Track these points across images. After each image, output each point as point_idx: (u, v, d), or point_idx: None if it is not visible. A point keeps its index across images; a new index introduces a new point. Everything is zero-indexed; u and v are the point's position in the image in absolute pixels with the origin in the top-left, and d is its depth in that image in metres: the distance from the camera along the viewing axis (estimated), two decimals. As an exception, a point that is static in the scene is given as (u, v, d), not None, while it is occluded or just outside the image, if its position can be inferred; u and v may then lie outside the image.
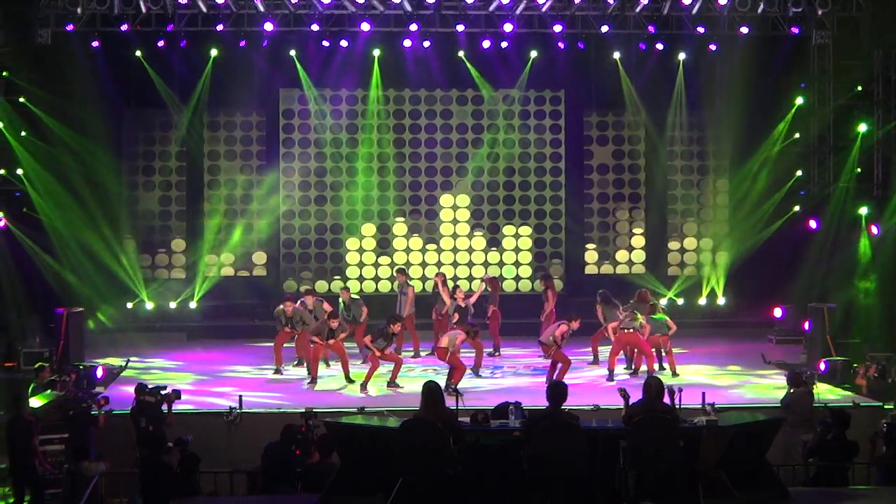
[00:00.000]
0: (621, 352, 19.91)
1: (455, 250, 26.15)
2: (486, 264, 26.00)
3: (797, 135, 24.87)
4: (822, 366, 19.41)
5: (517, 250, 26.22)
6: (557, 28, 23.79)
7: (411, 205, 26.09)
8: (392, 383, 18.53)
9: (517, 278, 26.17)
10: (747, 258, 24.91)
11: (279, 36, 23.98)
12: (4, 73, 22.68)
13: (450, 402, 11.55)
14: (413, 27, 23.84)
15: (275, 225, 25.83)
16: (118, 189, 25.10)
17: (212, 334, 24.23)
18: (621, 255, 26.41)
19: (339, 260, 26.05)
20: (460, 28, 23.94)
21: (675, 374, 19.33)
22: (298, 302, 20.53)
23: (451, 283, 23.53)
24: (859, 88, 23.86)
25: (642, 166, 26.31)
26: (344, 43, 24.30)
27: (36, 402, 15.94)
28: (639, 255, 26.37)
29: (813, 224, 24.24)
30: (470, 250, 26.19)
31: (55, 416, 15.64)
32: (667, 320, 19.84)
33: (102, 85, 23.87)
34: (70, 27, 22.97)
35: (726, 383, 19.22)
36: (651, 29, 23.99)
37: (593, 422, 12.38)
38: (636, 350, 19.75)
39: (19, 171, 22.98)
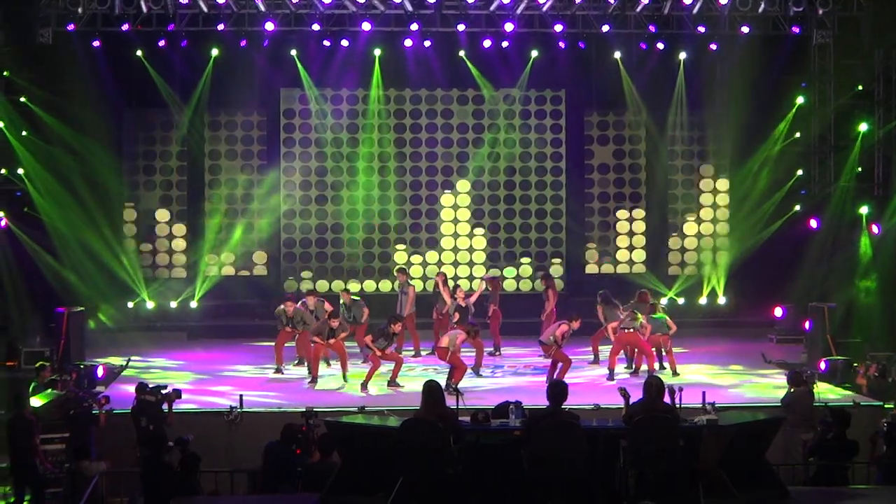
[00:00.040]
0: (622, 351, 19.92)
1: (455, 250, 26.15)
2: (486, 264, 25.99)
3: (798, 134, 24.88)
4: (823, 365, 19.41)
5: (518, 250, 26.21)
6: (558, 28, 23.79)
7: (412, 204, 26.08)
8: (392, 383, 18.54)
9: (517, 278, 26.17)
10: (748, 258, 24.91)
11: (280, 35, 23.99)
12: (5, 73, 22.68)
13: (450, 401, 11.56)
14: (414, 27, 23.84)
15: (275, 224, 25.84)
16: (119, 189, 25.12)
17: (212, 334, 24.24)
18: (622, 255, 26.41)
19: (339, 259, 26.06)
20: (461, 28, 23.94)
21: (675, 373, 19.33)
22: (300, 302, 20.53)
23: (451, 283, 23.53)
24: (860, 88, 23.85)
25: (643, 166, 26.31)
26: (345, 42, 24.31)
27: (37, 401, 15.94)
28: (639, 255, 26.36)
29: (813, 223, 24.23)
30: (470, 250, 26.19)
31: (56, 416, 15.65)
32: (667, 320, 19.84)
33: (103, 85, 23.89)
34: (71, 27, 22.99)
35: (726, 383, 19.22)
36: (652, 28, 23.99)
37: (594, 421, 12.41)
38: (636, 350, 19.75)
39: (20, 171, 22.98)
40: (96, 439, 15.47)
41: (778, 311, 23.76)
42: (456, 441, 11.15)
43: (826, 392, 17.69)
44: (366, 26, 23.78)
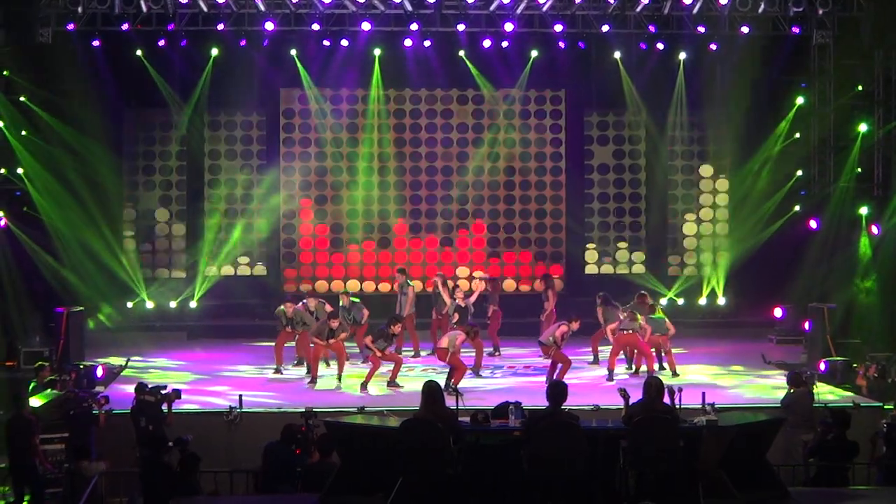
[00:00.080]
0: (621, 352, 19.92)
1: (456, 250, 26.14)
2: (486, 264, 25.98)
3: (797, 135, 24.87)
4: (823, 366, 19.41)
5: (517, 250, 26.21)
6: (558, 27, 23.78)
7: (412, 204, 26.08)
8: (392, 383, 18.53)
9: (517, 278, 26.17)
10: (748, 258, 24.89)
11: (280, 35, 23.97)
12: (5, 73, 22.65)
13: (450, 401, 11.55)
14: (414, 27, 23.83)
15: (275, 224, 25.84)
16: (118, 188, 25.12)
17: (212, 334, 24.24)
18: (621, 255, 26.40)
19: (339, 259, 26.05)
20: (461, 27, 23.92)
21: (675, 374, 19.33)
22: (301, 303, 20.51)
23: (451, 283, 23.50)
24: (860, 88, 23.83)
25: (643, 166, 26.30)
26: (344, 42, 24.30)
27: (36, 401, 15.95)
28: (639, 255, 26.36)
29: (813, 224, 24.22)
30: (470, 250, 26.18)
31: (55, 416, 15.66)
32: (665, 321, 19.83)
33: (103, 84, 23.89)
34: (71, 26, 22.98)
35: (726, 383, 19.22)
36: (652, 28, 23.98)
37: (593, 422, 12.39)
38: (636, 351, 19.75)
39: (20, 171, 22.97)
40: (96, 439, 15.47)
41: (778, 312, 23.75)
42: (456, 441, 11.14)
43: (826, 393, 17.69)
44: (366, 26, 23.77)
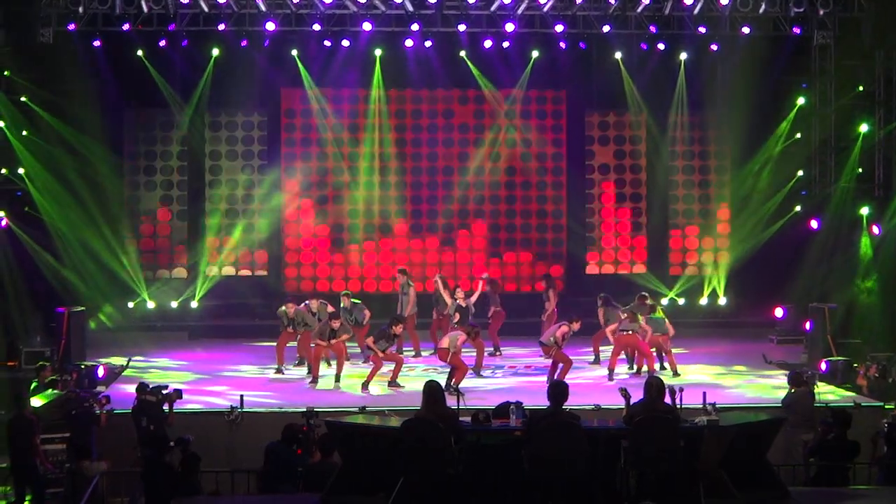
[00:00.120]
0: (622, 352, 19.92)
1: (456, 250, 26.14)
2: (486, 264, 25.97)
3: (798, 135, 24.87)
4: (823, 366, 19.42)
5: (518, 250, 26.20)
6: (559, 28, 23.78)
7: (413, 204, 26.08)
8: (393, 383, 18.54)
9: (518, 278, 26.16)
10: (749, 258, 24.91)
11: (281, 35, 23.98)
12: (6, 73, 22.67)
13: (451, 401, 11.56)
14: (415, 27, 23.83)
15: (276, 224, 25.84)
16: (119, 188, 25.13)
17: (213, 334, 24.24)
18: (622, 256, 26.40)
19: (340, 259, 26.05)
20: (462, 28, 23.92)
21: (675, 373, 19.33)
22: (303, 304, 20.51)
23: (451, 283, 23.49)
24: (861, 88, 23.84)
25: (644, 166, 26.29)
26: (345, 42, 24.31)
27: (37, 401, 15.96)
28: (640, 255, 26.36)
29: (814, 224, 24.23)
30: (471, 250, 26.19)
31: (56, 416, 15.67)
32: (665, 321, 19.83)
33: (104, 84, 23.90)
34: (71, 26, 22.98)
35: (727, 383, 19.22)
36: (652, 29, 23.97)
37: (594, 422, 12.41)
38: (636, 351, 19.75)
39: (21, 171, 22.99)
40: (97, 439, 15.48)
41: (778, 312, 23.76)
42: (457, 441, 11.15)
43: (827, 393, 17.70)
44: (366, 26, 23.78)
